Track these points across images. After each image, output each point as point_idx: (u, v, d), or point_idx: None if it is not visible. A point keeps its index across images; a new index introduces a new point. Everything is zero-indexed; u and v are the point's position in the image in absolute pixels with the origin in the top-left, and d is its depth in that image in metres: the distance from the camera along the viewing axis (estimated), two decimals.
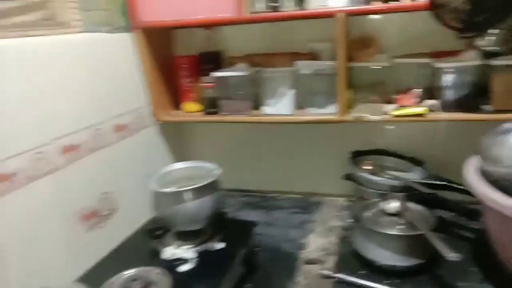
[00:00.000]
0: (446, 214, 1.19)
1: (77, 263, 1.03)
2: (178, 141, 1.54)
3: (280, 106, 1.27)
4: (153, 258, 1.02)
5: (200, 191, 1.01)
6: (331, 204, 1.40)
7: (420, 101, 1.18)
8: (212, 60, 1.39)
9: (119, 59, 1.23)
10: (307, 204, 1.41)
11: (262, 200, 1.47)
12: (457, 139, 1.25)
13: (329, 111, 1.23)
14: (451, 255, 0.86)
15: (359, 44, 1.29)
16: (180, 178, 1.09)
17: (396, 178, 1.19)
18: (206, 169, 1.10)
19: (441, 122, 1.16)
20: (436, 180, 1.16)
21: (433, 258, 0.99)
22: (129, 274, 0.92)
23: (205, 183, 1.01)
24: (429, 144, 1.27)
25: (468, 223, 1.16)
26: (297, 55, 1.33)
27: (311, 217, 1.32)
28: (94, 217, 1.11)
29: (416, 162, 1.28)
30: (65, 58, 1.03)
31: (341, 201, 1.41)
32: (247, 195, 1.51)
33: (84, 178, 1.08)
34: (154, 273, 0.94)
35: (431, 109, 1.14)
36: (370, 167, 1.26)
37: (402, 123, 1.31)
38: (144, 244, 1.08)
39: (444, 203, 1.16)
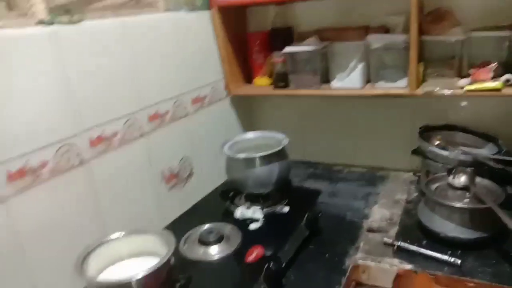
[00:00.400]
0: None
1: (163, 216, 1.17)
2: (250, 113, 1.63)
3: (349, 80, 1.30)
4: (226, 216, 1.13)
5: (269, 158, 1.09)
6: (397, 178, 1.42)
7: (496, 76, 1.14)
8: (283, 36, 1.44)
9: (197, 36, 1.33)
10: (372, 178, 1.44)
11: (328, 172, 1.52)
12: None
13: (400, 85, 1.23)
14: None
15: (435, 17, 1.27)
16: (251, 146, 1.18)
17: (466, 153, 1.18)
18: (275, 139, 1.17)
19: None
20: (508, 156, 1.12)
21: (498, 233, 0.98)
22: (206, 227, 1.04)
23: (274, 151, 1.09)
24: (503, 120, 1.22)
25: None
26: (368, 29, 1.33)
27: (376, 190, 1.35)
28: (175, 178, 1.25)
29: (488, 138, 1.24)
30: (151, 36, 1.14)
31: (408, 175, 1.41)
32: (313, 167, 1.57)
33: (166, 144, 1.21)
34: (227, 228, 1.05)
35: (508, 84, 1.10)
36: (440, 142, 1.25)
37: (475, 98, 1.28)
38: (218, 204, 1.20)
39: None
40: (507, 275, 0.91)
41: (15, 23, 0.83)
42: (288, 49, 1.34)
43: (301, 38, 1.41)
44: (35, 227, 0.85)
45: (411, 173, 1.41)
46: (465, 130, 1.29)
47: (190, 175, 1.32)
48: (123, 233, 0.84)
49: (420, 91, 1.18)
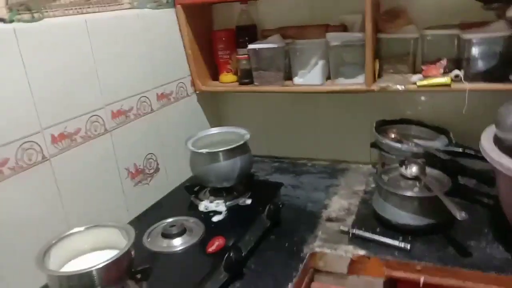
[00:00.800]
0: (467, 181, 1.24)
1: (128, 211, 1.19)
2: (215, 110, 1.66)
3: (310, 76, 1.35)
4: (191, 210, 1.16)
5: (231, 153, 1.13)
6: (357, 170, 1.48)
7: (447, 72, 1.21)
8: (248, 33, 1.47)
9: (163, 33, 1.35)
10: (333, 170, 1.50)
11: (292, 166, 1.57)
12: (482, 109, 1.26)
13: (358, 81, 1.29)
14: (460, 214, 0.93)
15: (390, 16, 1.33)
16: (214, 142, 1.21)
17: (418, 145, 1.24)
18: (238, 134, 1.21)
19: (466, 92, 1.18)
20: (457, 147, 1.20)
21: (445, 219, 1.05)
22: (169, 221, 1.07)
23: (236, 145, 1.13)
24: (454, 114, 1.29)
25: (486, 190, 1.20)
26: (328, 27, 1.38)
27: (336, 182, 1.41)
28: (140, 174, 1.27)
29: (440, 131, 1.32)
30: (116, 32, 1.16)
31: (367, 168, 1.48)
32: (278, 161, 1.62)
33: (131, 140, 1.22)
34: (191, 221, 1.08)
35: (457, 79, 1.17)
36: (395, 135, 1.31)
37: (429, 93, 1.36)
38: (183, 199, 1.22)
39: (465, 170, 1.20)
40: (451, 258, 0.98)
41: None
42: (252, 46, 1.38)
43: (265, 36, 1.45)
44: None
45: (370, 166, 1.48)
46: (419, 123, 1.37)
47: (156, 171, 1.34)
48: (84, 227, 0.86)
49: (375, 86, 1.24)
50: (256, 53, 1.38)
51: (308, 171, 1.52)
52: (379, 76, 1.30)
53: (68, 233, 0.84)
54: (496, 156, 0.87)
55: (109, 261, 0.74)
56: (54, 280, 0.74)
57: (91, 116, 1.09)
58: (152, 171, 1.32)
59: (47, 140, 0.97)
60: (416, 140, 1.29)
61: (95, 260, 0.80)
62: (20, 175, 0.90)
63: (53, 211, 0.98)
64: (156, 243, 1.01)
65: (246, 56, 1.41)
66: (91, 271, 0.73)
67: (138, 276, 0.85)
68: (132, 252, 0.82)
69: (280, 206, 1.17)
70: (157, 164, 1.34)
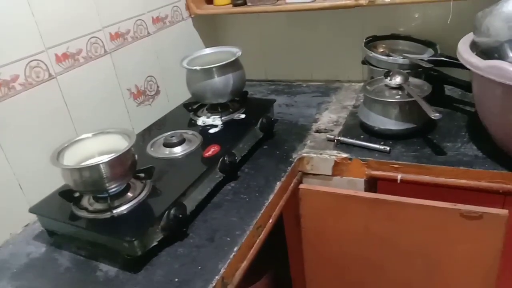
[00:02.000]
0: (453, 92, 1.30)
1: (132, 128, 1.29)
2: (212, 34, 1.70)
3: None
4: (190, 126, 1.26)
5: (224, 69, 1.20)
6: (349, 88, 1.54)
7: None
8: None
9: None
10: (327, 89, 1.56)
11: (287, 88, 1.63)
12: (469, 21, 1.29)
13: None
14: (434, 114, 1.00)
15: None
16: (209, 60, 1.27)
17: (405, 57, 1.29)
18: (231, 52, 1.27)
19: (451, 1, 1.20)
20: (441, 57, 1.24)
21: (425, 124, 1.13)
22: (170, 133, 1.17)
23: (228, 61, 1.19)
24: (442, 27, 1.32)
25: (470, 99, 1.27)
26: None
27: (328, 99, 1.48)
28: (142, 95, 1.35)
29: (429, 44, 1.35)
30: None
31: (358, 85, 1.53)
32: (274, 84, 1.68)
33: (131, 62, 1.29)
34: (189, 133, 1.18)
35: None
36: (383, 50, 1.36)
37: (420, 6, 1.37)
38: (183, 116, 1.31)
39: (448, 79, 1.26)
40: (427, 157, 1.07)
41: None
42: None
43: None
44: (14, 132, 0.97)
45: (362, 83, 1.53)
46: (408, 38, 1.40)
47: (157, 93, 1.42)
48: (91, 133, 0.96)
49: (363, 0, 1.26)
50: None
51: (302, 92, 1.58)
52: None
53: (77, 138, 0.95)
54: (468, 56, 0.93)
55: (114, 156, 0.84)
56: (68, 174, 0.86)
57: (91, 38, 1.15)
58: (153, 92, 1.40)
59: (52, 59, 1.05)
60: (405, 54, 1.34)
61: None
62: (30, 91, 1.00)
63: (63, 127, 1.09)
64: (158, 151, 1.11)
65: None
66: (99, 164, 0.84)
67: (142, 175, 0.96)
68: (135, 154, 0.92)
69: (273, 119, 1.26)
70: (157, 86, 1.42)
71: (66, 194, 0.91)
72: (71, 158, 0.91)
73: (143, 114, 1.35)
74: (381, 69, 1.29)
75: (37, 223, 0.99)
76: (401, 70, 1.20)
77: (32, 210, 0.95)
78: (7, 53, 0.95)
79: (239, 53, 1.23)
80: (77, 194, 0.93)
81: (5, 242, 0.98)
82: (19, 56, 0.97)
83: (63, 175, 0.87)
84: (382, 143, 1.13)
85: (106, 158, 0.85)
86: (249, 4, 1.44)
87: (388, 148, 1.10)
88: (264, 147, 1.22)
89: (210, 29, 1.68)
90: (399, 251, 1.11)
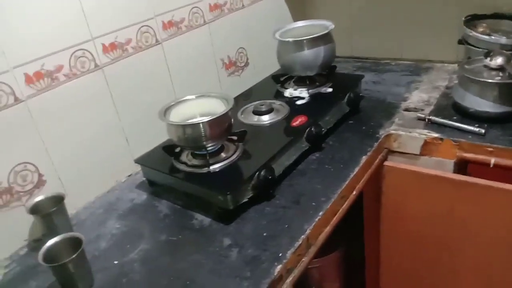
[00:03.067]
0: None
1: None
2: (302, 7, 1.71)
3: None
4: (277, 97, 1.30)
5: (315, 42, 1.22)
6: (441, 69, 1.48)
7: None
8: None
9: None
10: (417, 69, 1.51)
11: (374, 65, 1.61)
12: None
13: None
14: None
15: None
16: (300, 33, 1.29)
17: (508, 38, 1.21)
18: (323, 26, 1.28)
19: None
20: None
21: None
22: (259, 102, 1.22)
23: (319, 34, 1.21)
24: None
25: None
26: None
27: (419, 79, 1.43)
28: (233, 66, 1.42)
29: None
30: None
31: (453, 66, 1.46)
32: (360, 61, 1.66)
33: (225, 34, 1.36)
34: (277, 103, 1.22)
35: None
36: (484, 29, 1.28)
37: None
38: (271, 87, 1.36)
39: None
40: None
41: None
42: None
43: None
44: (124, 90, 1.08)
45: (456, 65, 1.46)
46: (511, 17, 1.30)
47: (246, 64, 1.48)
48: (194, 95, 1.05)
49: None
50: None
51: (391, 70, 1.55)
52: None
53: (182, 99, 1.04)
54: None
55: (214, 117, 0.91)
56: (172, 130, 0.95)
57: (192, 8, 1.23)
58: (243, 64, 1.46)
59: (159, 25, 1.14)
60: (508, 35, 1.25)
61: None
62: (140, 54, 1.10)
63: (165, 90, 1.19)
64: (248, 118, 1.17)
65: None
66: (200, 123, 0.92)
67: (235, 138, 1.02)
68: (231, 117, 0.98)
69: (360, 95, 1.26)
70: (247, 58, 1.48)
71: (168, 148, 1.01)
72: (176, 116, 0.99)
73: (233, 83, 1.42)
74: (481, 50, 1.22)
75: (139, 174, 1.11)
76: (503, 51, 1.13)
77: (137, 161, 1.06)
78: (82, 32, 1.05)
79: (332, 27, 1.24)
80: (178, 150, 1.02)
81: (112, 188, 1.11)
82: (131, 22, 1.07)
83: (168, 130, 0.97)
84: (476, 125, 1.08)
85: (206, 118, 0.92)
86: None
87: (483, 131, 1.06)
88: (350, 122, 1.23)
89: (299, 1, 1.69)
90: (482, 238, 1.08)
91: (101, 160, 1.07)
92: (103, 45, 1.02)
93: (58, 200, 0.91)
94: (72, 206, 1.00)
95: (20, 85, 0.88)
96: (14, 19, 0.86)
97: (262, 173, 0.93)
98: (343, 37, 1.67)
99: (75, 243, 0.78)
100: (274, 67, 1.40)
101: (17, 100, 0.88)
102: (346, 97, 1.22)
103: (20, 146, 0.91)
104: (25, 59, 0.89)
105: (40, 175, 0.95)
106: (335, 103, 1.20)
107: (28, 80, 0.89)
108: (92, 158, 1.05)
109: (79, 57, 0.97)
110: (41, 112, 0.92)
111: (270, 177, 0.93)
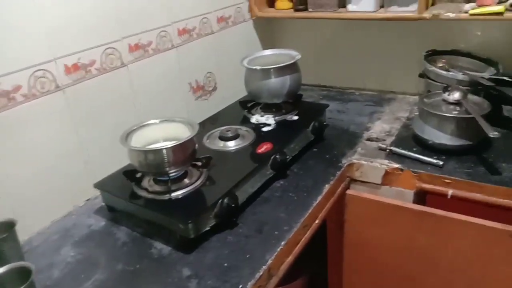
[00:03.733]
0: (509, 112, 1.27)
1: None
2: (270, 35, 1.74)
3: (364, 3, 1.38)
4: (244, 122, 1.30)
5: (282, 70, 1.24)
6: (403, 100, 1.54)
7: (502, 1, 1.20)
8: None
9: None
10: (380, 99, 1.56)
11: (339, 94, 1.65)
12: None
13: (410, 9, 1.32)
14: (492, 132, 0.99)
15: None
16: (267, 61, 1.31)
17: (465, 73, 1.27)
18: (289, 55, 1.30)
19: None
20: (503, 76, 1.22)
21: (481, 142, 1.11)
22: (225, 127, 1.22)
23: (287, 63, 1.23)
24: (506, 45, 1.29)
25: None
26: None
27: (381, 109, 1.48)
28: (201, 90, 1.42)
29: (490, 63, 1.33)
30: None
31: (413, 98, 1.52)
32: (326, 90, 1.70)
33: (194, 58, 1.36)
34: (243, 129, 1.22)
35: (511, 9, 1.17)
36: (443, 64, 1.35)
37: (482, 23, 1.36)
38: (238, 113, 1.36)
39: (507, 99, 1.23)
40: (480, 175, 1.06)
41: None
42: None
43: None
44: (86, 112, 1.05)
45: (417, 97, 1.52)
46: (469, 55, 1.38)
47: (214, 89, 1.48)
48: (158, 120, 1.03)
49: (427, 14, 1.26)
50: None
51: (355, 99, 1.59)
52: (433, 4, 1.32)
53: (145, 123, 1.02)
54: None
55: (177, 143, 0.90)
56: (134, 155, 0.92)
57: (160, 32, 1.22)
58: (210, 88, 1.46)
59: (125, 48, 1.13)
60: (464, 71, 1.32)
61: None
62: (104, 76, 1.08)
63: (129, 110, 1.17)
64: (214, 143, 1.17)
65: None
66: (163, 149, 0.90)
67: (199, 163, 1.01)
68: (195, 143, 0.97)
69: (324, 123, 1.28)
70: (215, 83, 1.48)
71: (129, 173, 0.98)
72: (138, 141, 0.97)
73: (201, 107, 1.41)
74: (439, 84, 1.28)
75: (98, 198, 1.07)
76: (461, 86, 1.19)
77: (96, 185, 1.02)
78: (89, 40, 1.03)
79: (298, 57, 1.27)
80: (139, 175, 0.99)
81: (69, 213, 1.06)
82: (96, 44, 1.05)
83: (130, 155, 0.94)
84: (435, 157, 1.12)
85: (170, 144, 0.91)
86: (310, 9, 1.47)
87: (441, 163, 1.10)
88: (314, 149, 1.25)
89: (268, 29, 1.72)
90: (441, 267, 1.10)
91: (59, 183, 1.02)
92: (65, 65, 0.99)
93: (8, 226, 0.86)
94: (25, 231, 0.95)
95: None
96: None
97: (226, 200, 0.92)
98: (309, 66, 1.70)
99: (25, 273, 0.73)
100: (242, 92, 1.40)
101: None
102: (311, 125, 1.24)
103: None
104: None
105: None
106: (300, 131, 1.22)
107: None
108: (49, 181, 1.00)
109: (39, 77, 0.94)
110: None
111: (233, 205, 0.92)
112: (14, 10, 0.88)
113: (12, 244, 0.86)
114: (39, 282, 0.78)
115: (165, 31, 1.24)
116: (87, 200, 1.10)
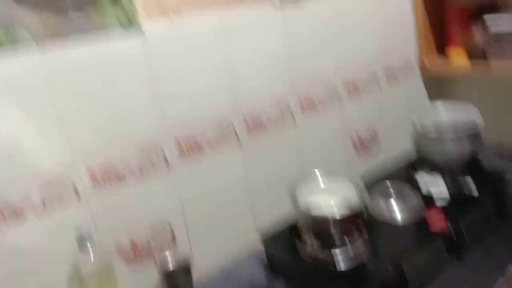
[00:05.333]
0: None
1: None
2: (440, 84, 1.60)
3: None
4: (409, 182, 1.19)
5: (461, 140, 1.11)
6: None
7: None
8: (487, 9, 1.35)
9: (394, 13, 1.40)
10: None
11: None
12: None
13: None
14: None
15: None
16: (441, 121, 1.19)
17: None
18: (470, 121, 1.16)
19: None
20: None
21: None
22: (391, 184, 1.16)
23: (468, 133, 1.11)
24: None
25: None
26: None
27: None
28: (362, 145, 1.38)
29: None
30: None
31: None
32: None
33: (359, 113, 1.35)
34: (408, 190, 1.13)
35: None
36: None
37: None
38: (402, 172, 1.28)
39: None
40: None
41: None
42: (491, 21, 1.27)
43: (507, 5, 1.29)
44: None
45: None
46: None
47: (375, 143, 1.42)
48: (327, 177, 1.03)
49: None
50: (497, 35, 1.27)
51: None
52: None
53: (312, 174, 1.03)
54: None
55: (347, 213, 0.88)
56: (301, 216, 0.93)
57: (328, 89, 1.24)
58: (372, 144, 1.41)
59: (297, 106, 1.17)
60: None
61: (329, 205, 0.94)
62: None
63: (296, 166, 1.21)
64: (376, 205, 1.10)
65: (484, 33, 1.30)
66: (330, 217, 0.89)
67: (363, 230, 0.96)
68: (365, 214, 0.93)
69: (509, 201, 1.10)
70: (377, 137, 1.42)
71: (295, 233, 0.99)
72: (303, 192, 0.98)
73: (361, 162, 1.38)
74: None
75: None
76: None
77: (263, 242, 1.06)
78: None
79: (482, 124, 1.12)
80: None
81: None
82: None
83: (296, 212, 0.96)
84: None
85: (338, 210, 0.89)
86: (494, 64, 1.30)
87: None
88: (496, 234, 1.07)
89: (440, 86, 1.58)
90: None
91: (226, 226, 1.10)
92: (246, 122, 1.08)
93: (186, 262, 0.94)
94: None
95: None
96: None
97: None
98: (486, 120, 1.50)
99: None
100: (405, 147, 1.32)
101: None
102: (492, 199, 1.08)
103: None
104: None
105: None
106: (480, 207, 1.07)
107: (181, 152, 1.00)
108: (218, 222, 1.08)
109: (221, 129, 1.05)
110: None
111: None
112: None
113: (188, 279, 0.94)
114: None
115: (333, 86, 1.25)
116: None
